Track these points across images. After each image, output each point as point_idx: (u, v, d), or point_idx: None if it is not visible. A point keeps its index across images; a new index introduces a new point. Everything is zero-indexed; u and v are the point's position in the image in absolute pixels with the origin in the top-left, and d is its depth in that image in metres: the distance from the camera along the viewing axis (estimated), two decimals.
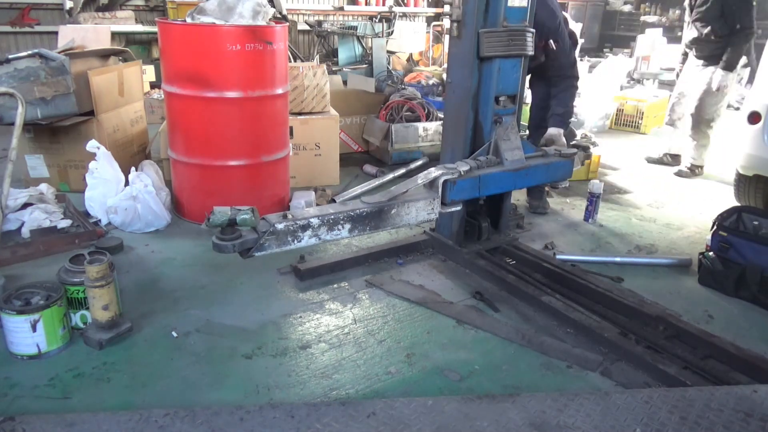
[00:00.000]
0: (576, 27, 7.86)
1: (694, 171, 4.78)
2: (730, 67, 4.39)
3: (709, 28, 4.37)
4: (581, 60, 7.99)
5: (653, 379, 2.15)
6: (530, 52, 2.79)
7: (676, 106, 4.93)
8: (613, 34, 11.58)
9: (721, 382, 2.08)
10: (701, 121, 4.62)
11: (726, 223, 2.87)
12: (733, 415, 1.81)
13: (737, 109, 6.88)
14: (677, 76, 4.98)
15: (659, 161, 5.14)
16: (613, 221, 3.78)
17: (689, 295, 2.86)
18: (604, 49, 10.24)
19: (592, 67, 7.51)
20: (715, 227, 2.90)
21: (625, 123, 6.61)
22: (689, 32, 4.59)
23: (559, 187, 4.36)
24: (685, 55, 4.82)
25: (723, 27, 4.32)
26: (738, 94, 7.64)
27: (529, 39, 2.76)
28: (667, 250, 3.38)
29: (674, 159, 5.06)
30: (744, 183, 3.81)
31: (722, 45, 4.38)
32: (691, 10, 4.53)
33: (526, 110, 6.21)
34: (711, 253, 2.90)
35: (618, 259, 3.17)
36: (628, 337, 2.35)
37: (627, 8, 11.98)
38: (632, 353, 2.24)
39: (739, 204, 3.73)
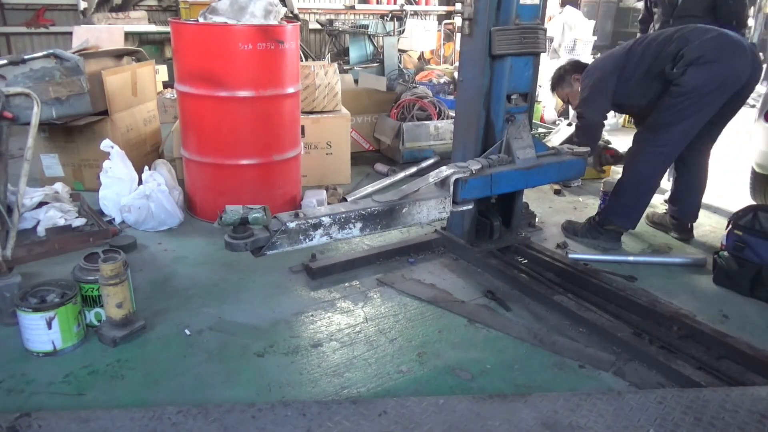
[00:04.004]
0: (589, 24, 7.82)
1: None
2: None
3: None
4: (593, 57, 7.93)
5: (667, 380, 2.13)
6: (542, 50, 2.78)
7: None
8: (627, 32, 11.45)
9: (736, 382, 2.05)
10: None
11: (741, 222, 2.83)
12: (748, 416, 1.79)
13: (752, 106, 6.79)
14: None
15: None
16: None
17: (704, 294, 2.83)
18: (617, 47, 10.20)
19: None
20: (730, 226, 2.87)
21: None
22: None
23: (571, 186, 4.35)
24: None
25: (713, 24, 3.45)
26: (754, 91, 7.55)
27: (542, 37, 2.75)
28: (681, 249, 3.35)
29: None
30: (760, 181, 3.76)
31: None
32: (672, 7, 3.75)
33: (538, 108, 6.21)
34: (726, 253, 2.86)
35: (631, 258, 3.14)
36: (641, 336, 2.33)
37: (640, 5, 11.83)
38: (646, 353, 2.22)
39: (754, 203, 3.68)
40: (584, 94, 3.18)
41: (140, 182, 3.36)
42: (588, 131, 3.20)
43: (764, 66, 7.72)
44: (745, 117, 4.54)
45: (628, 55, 3.05)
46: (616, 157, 3.53)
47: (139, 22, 6.44)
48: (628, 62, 3.03)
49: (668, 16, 3.68)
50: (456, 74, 6.11)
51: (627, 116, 6.45)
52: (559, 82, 3.40)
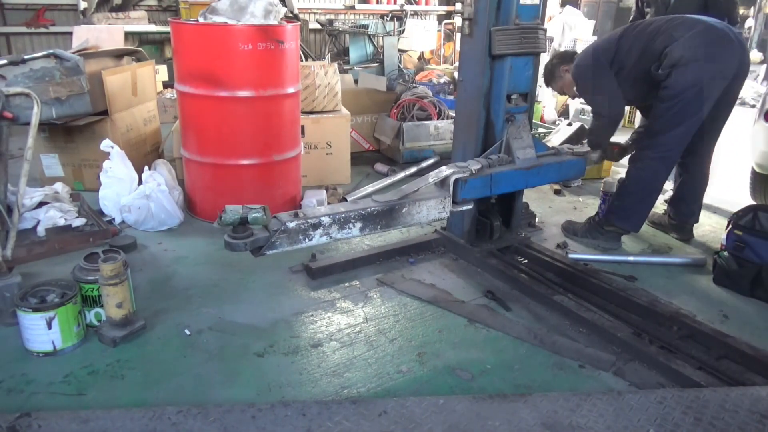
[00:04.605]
0: (589, 24, 7.81)
1: None
2: None
3: None
4: None
5: (667, 380, 2.13)
6: (542, 50, 2.78)
7: None
8: None
9: (737, 382, 2.05)
10: None
11: (741, 221, 2.83)
12: (748, 416, 1.79)
13: (752, 106, 6.79)
14: None
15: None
16: None
17: (704, 294, 2.83)
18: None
19: None
20: (730, 226, 2.87)
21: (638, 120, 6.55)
22: None
23: (571, 186, 4.35)
24: None
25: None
26: (753, 91, 7.54)
27: (542, 37, 2.75)
28: (681, 249, 3.35)
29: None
30: (760, 181, 3.76)
31: None
32: (665, 6, 3.72)
33: (538, 108, 6.21)
34: (726, 253, 2.86)
35: (631, 258, 3.14)
36: (641, 336, 2.33)
37: None
38: (646, 353, 2.22)
39: (754, 203, 3.68)
40: (591, 91, 3.14)
41: (140, 182, 3.36)
42: (613, 125, 3.14)
43: (765, 66, 7.71)
44: (745, 117, 4.54)
45: (617, 47, 3.03)
46: (621, 151, 3.48)
47: (139, 22, 6.44)
48: (617, 54, 3.01)
49: (661, 15, 3.66)
50: (456, 74, 6.11)
51: (626, 116, 6.45)
52: (551, 76, 3.43)
